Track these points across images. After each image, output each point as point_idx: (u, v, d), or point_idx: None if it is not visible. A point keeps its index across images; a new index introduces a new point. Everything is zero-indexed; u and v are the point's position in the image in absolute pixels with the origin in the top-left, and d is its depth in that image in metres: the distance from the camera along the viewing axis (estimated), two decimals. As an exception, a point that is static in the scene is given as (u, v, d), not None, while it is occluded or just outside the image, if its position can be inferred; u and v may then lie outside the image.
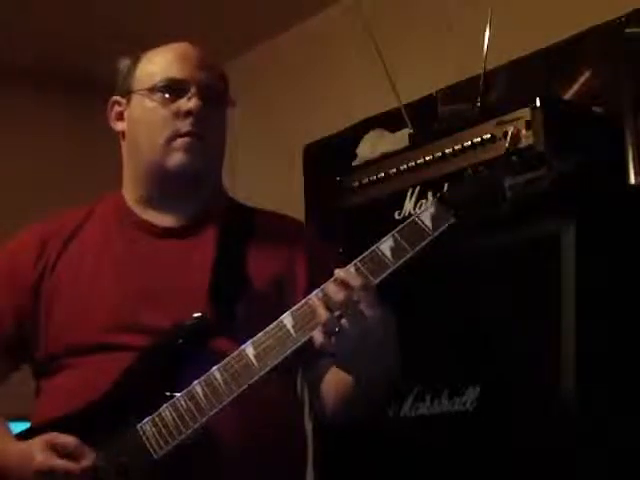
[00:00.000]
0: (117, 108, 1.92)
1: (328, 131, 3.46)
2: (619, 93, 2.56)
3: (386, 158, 2.51)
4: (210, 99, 1.85)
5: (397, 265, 1.64)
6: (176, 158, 1.82)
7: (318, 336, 1.60)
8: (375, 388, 1.78)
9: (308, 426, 1.96)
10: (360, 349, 1.62)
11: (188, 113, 1.82)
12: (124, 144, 1.93)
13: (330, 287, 1.62)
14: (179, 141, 1.83)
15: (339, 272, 1.63)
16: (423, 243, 1.64)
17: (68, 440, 1.64)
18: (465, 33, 2.99)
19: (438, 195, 1.69)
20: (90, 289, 1.82)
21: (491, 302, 2.20)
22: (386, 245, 1.65)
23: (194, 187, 1.87)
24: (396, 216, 2.41)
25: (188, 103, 1.82)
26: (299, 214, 3.24)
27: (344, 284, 1.61)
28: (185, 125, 1.82)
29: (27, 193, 3.84)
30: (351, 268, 1.63)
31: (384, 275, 1.63)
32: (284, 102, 3.81)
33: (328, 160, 3.27)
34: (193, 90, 1.83)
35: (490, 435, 2.13)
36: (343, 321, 1.59)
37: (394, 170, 2.43)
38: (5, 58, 3.78)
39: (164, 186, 1.87)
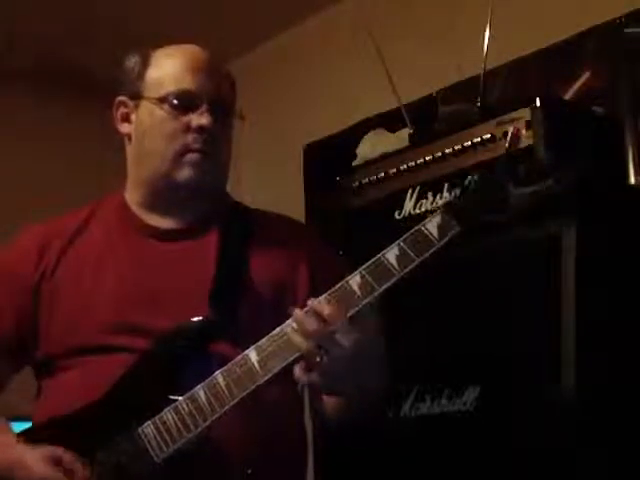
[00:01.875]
0: (123, 109, 1.91)
1: (328, 131, 3.46)
2: (619, 93, 2.56)
3: (386, 158, 2.51)
4: (220, 113, 1.84)
5: (402, 273, 1.63)
6: (185, 173, 1.82)
7: (297, 371, 1.61)
8: (366, 404, 1.79)
9: (308, 426, 1.96)
10: (343, 376, 1.62)
11: (200, 129, 1.81)
12: (129, 147, 1.91)
13: (303, 318, 1.60)
14: (189, 156, 1.82)
15: (312, 302, 1.62)
16: (429, 252, 1.64)
17: (68, 456, 1.64)
18: (465, 33, 2.99)
19: (444, 204, 1.69)
20: (91, 290, 1.82)
21: (491, 302, 2.20)
22: (391, 253, 1.64)
23: (198, 197, 1.88)
24: (396, 216, 2.41)
25: (200, 119, 1.81)
26: (299, 214, 3.24)
27: (317, 316, 1.60)
28: (196, 141, 1.82)
29: (27, 193, 3.84)
30: (323, 298, 1.62)
31: (389, 284, 1.63)
32: (284, 102, 3.81)
33: (328, 160, 3.27)
34: (205, 106, 1.82)
35: (490, 435, 2.13)
36: (323, 352, 1.59)
37: (394, 170, 2.43)
38: (5, 58, 3.78)
39: (169, 195, 1.87)
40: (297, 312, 1.61)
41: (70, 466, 1.63)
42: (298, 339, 1.60)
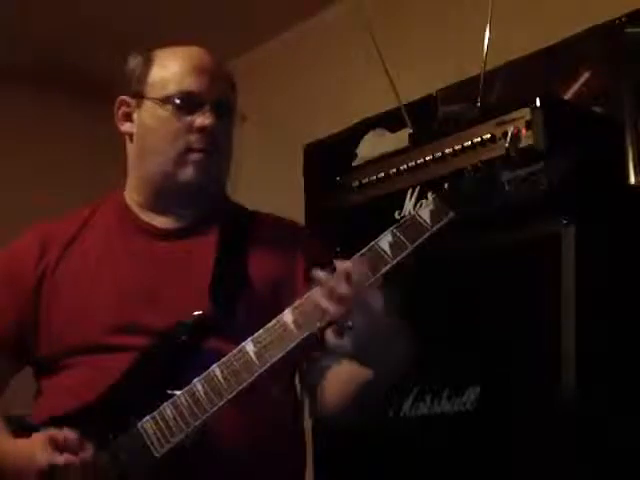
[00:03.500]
0: (125, 109, 1.91)
1: (328, 131, 3.46)
2: (619, 93, 2.56)
3: (386, 158, 2.51)
4: (223, 113, 1.85)
5: (396, 261, 1.63)
6: (187, 173, 1.83)
7: (330, 336, 1.58)
8: (392, 375, 1.76)
9: (308, 426, 1.96)
10: (374, 341, 1.60)
11: (202, 129, 1.82)
12: (131, 146, 1.92)
13: (333, 281, 1.58)
14: (191, 156, 1.83)
15: (340, 264, 1.59)
16: (422, 238, 1.64)
17: (68, 434, 1.63)
18: (465, 33, 2.99)
19: (437, 191, 1.69)
20: (91, 290, 1.83)
21: (491, 302, 2.20)
22: (385, 241, 1.64)
23: (199, 197, 1.88)
24: (396, 216, 2.41)
25: (203, 119, 1.82)
26: (299, 214, 3.23)
27: (347, 277, 1.58)
28: (198, 141, 1.82)
29: (27, 193, 3.84)
30: (349, 264, 1.61)
31: (383, 271, 1.63)
32: (284, 102, 3.81)
33: (328, 160, 3.27)
34: (208, 107, 1.83)
35: (490, 435, 2.13)
36: (353, 315, 1.56)
37: (394, 170, 2.43)
38: (5, 58, 3.78)
39: (170, 194, 1.87)
40: (323, 276, 1.58)
41: (72, 446, 1.61)
42: (325, 303, 1.57)
